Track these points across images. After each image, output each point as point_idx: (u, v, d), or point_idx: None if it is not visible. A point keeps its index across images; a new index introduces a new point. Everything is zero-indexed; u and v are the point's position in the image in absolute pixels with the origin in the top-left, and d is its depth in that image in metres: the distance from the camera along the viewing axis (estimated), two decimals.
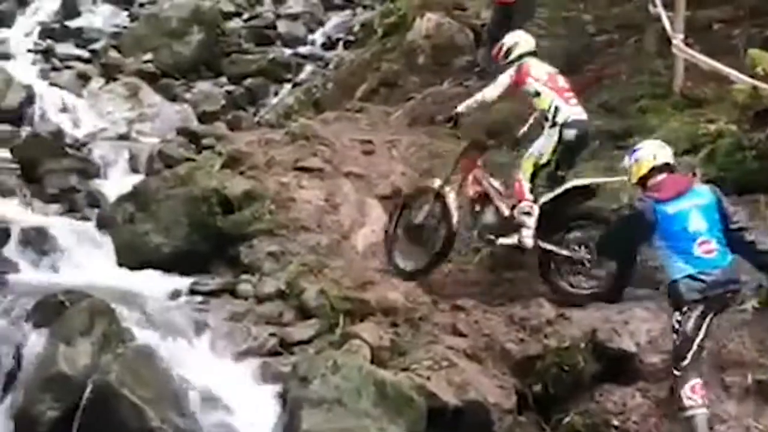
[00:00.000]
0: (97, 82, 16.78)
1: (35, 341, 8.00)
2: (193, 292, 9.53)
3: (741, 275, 8.01)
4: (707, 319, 7.69)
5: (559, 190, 9.23)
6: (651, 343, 8.35)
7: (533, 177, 9.40)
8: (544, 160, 9.36)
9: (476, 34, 14.91)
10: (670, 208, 7.75)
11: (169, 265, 10.13)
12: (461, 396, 8.05)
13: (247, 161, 11.11)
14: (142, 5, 19.80)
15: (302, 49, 18.50)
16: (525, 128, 9.74)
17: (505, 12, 13.44)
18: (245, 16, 19.39)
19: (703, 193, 7.90)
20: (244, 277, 9.69)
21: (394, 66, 14.83)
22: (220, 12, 18.88)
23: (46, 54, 17.61)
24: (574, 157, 9.53)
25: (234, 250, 10.14)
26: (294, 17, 19.33)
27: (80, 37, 18.44)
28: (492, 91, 9.72)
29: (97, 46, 17.99)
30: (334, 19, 19.39)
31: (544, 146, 9.36)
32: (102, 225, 10.91)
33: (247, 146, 11.46)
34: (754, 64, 10.32)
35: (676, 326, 7.73)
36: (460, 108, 9.91)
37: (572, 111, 9.36)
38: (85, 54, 17.77)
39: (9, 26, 18.99)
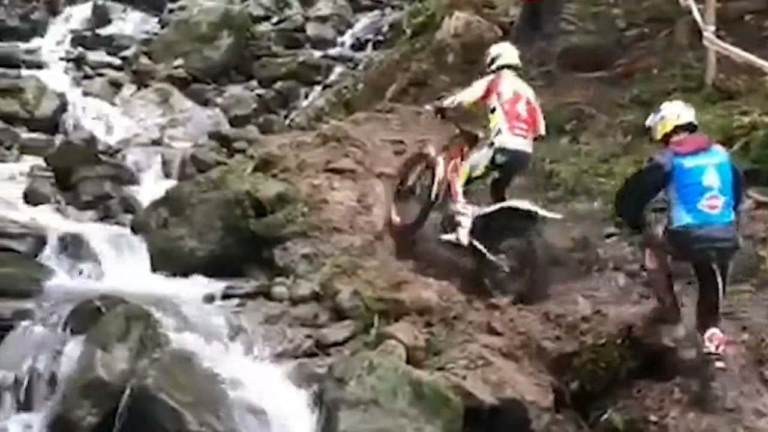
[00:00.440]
0: (128, 89, 16.90)
1: (73, 348, 8.06)
2: (227, 295, 9.53)
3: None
4: (711, 272, 7.89)
5: (494, 208, 9.56)
6: (688, 338, 8.29)
7: (468, 183, 9.80)
8: (477, 173, 9.78)
9: (505, 32, 14.89)
10: (688, 162, 8.05)
11: (203, 268, 10.16)
12: (498, 394, 8.04)
13: (279, 164, 11.13)
14: (171, 11, 19.91)
15: (332, 51, 18.54)
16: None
17: (533, 9, 13.43)
18: (274, 19, 19.45)
19: (720, 153, 8.23)
20: (278, 279, 9.71)
21: (424, 65, 14.82)
22: (249, 16, 18.97)
23: (78, 62, 17.75)
24: (508, 177, 9.86)
25: (268, 253, 10.16)
26: (323, 19, 19.38)
27: (111, 45, 18.59)
28: (466, 96, 9.97)
29: (128, 53, 18.11)
30: (363, 20, 19.42)
31: (478, 161, 9.75)
32: (136, 230, 10.96)
33: (279, 149, 11.49)
34: None
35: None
36: (445, 103, 10.15)
37: (512, 140, 9.59)
38: (117, 61, 17.91)
39: (41, 35, 19.19)
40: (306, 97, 17.12)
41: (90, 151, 13.23)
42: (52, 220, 11.36)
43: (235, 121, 16.05)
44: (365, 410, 7.57)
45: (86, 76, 17.28)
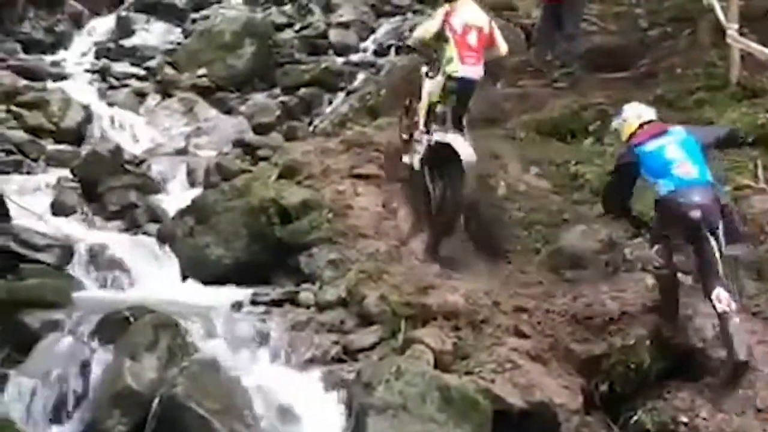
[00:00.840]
0: (153, 99, 16.94)
1: (101, 357, 8.12)
2: (254, 302, 9.58)
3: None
4: (701, 234, 8.06)
5: (436, 138, 10.22)
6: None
7: (429, 112, 10.43)
8: (434, 100, 10.41)
9: (527, 34, 14.86)
10: (648, 146, 8.47)
11: (230, 276, 10.21)
12: (527, 398, 8.03)
13: (304, 170, 11.15)
14: (194, 21, 19.92)
15: (354, 57, 18.50)
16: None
17: (554, 11, 13.37)
18: (297, 26, 19.42)
19: (679, 132, 8.58)
20: (304, 286, 9.74)
21: None
22: (271, 23, 18.95)
23: (103, 73, 17.78)
24: (462, 103, 10.40)
25: (293, 260, 10.19)
26: (345, 26, 19.35)
27: (135, 56, 18.61)
28: (424, 31, 10.63)
29: (152, 63, 18.14)
30: (385, 26, 19.36)
31: (433, 88, 10.40)
32: (163, 239, 11.02)
33: (303, 156, 11.51)
34: None
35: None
36: (409, 42, 11.28)
37: (462, 68, 10.21)
38: (141, 72, 17.93)
39: (66, 47, 19.23)
40: (329, 103, 17.08)
41: (116, 161, 13.26)
42: (79, 230, 11.41)
43: (259, 129, 16.04)
44: (394, 415, 7.57)
45: (111, 87, 17.32)
